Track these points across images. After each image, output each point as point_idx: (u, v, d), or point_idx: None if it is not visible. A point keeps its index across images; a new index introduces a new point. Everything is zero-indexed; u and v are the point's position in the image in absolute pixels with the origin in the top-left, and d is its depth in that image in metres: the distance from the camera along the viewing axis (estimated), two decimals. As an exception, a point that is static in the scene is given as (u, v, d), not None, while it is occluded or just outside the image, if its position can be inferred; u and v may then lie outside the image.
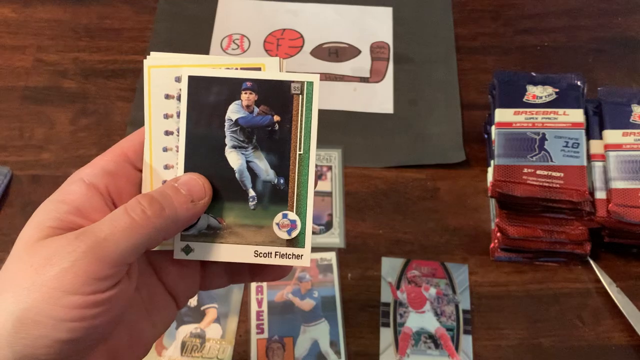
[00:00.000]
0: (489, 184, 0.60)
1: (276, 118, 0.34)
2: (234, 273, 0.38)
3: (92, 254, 0.30)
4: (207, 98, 0.34)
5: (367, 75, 0.73)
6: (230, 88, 0.33)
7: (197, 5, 0.77)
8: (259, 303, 0.58)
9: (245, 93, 0.33)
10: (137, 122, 0.68)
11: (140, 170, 0.36)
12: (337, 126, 0.69)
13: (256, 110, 0.33)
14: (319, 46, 0.75)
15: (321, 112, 0.35)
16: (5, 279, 0.31)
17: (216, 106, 0.33)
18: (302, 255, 0.34)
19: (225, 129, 0.34)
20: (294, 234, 0.34)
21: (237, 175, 0.34)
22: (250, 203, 0.34)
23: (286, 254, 0.34)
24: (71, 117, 0.69)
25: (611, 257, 0.61)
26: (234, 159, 0.34)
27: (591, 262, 0.60)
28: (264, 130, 0.34)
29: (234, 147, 0.34)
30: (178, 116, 0.35)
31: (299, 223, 0.34)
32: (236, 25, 0.76)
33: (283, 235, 0.34)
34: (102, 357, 0.33)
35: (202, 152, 0.34)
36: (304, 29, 0.76)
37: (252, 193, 0.34)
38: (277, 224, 0.34)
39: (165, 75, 0.35)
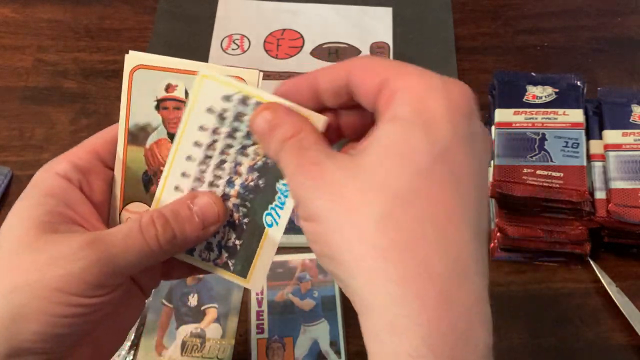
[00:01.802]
0: (488, 184, 0.60)
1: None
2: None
3: (103, 265, 0.31)
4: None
5: (367, 75, 0.73)
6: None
7: (197, 5, 0.78)
8: (259, 303, 0.58)
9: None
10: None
11: (111, 168, 0.36)
12: (337, 126, 0.69)
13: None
14: (319, 46, 0.75)
15: (321, 112, 0.35)
16: (2, 273, 0.31)
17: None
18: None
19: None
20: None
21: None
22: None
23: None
24: (71, 117, 0.69)
25: (611, 257, 0.61)
26: None
27: (591, 262, 0.60)
28: None
29: None
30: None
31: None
32: (236, 26, 0.76)
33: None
34: (86, 346, 0.34)
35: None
36: (304, 29, 0.76)
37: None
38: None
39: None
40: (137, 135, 0.37)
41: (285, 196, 0.34)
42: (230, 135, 0.34)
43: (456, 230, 0.26)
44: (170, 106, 0.36)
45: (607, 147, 0.60)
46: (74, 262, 0.30)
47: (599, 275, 0.59)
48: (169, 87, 0.35)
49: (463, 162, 0.27)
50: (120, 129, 0.36)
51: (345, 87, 0.31)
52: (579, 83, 0.63)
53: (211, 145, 0.35)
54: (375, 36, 0.76)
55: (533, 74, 0.65)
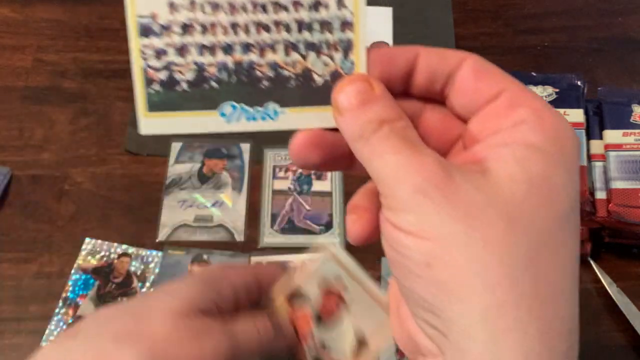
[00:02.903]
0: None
1: None
2: None
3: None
4: None
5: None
6: None
7: (197, 5, 0.77)
8: (259, 303, 0.58)
9: None
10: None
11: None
12: (337, 126, 0.69)
13: None
14: (319, 46, 0.75)
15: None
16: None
17: None
18: None
19: None
20: None
21: None
22: None
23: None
24: (71, 117, 0.69)
25: (611, 257, 0.61)
26: None
27: (591, 262, 0.60)
28: None
29: None
30: None
31: None
32: (236, 25, 0.76)
33: None
34: None
35: None
36: (304, 29, 0.76)
37: None
38: None
39: None
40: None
41: None
42: None
43: (576, 281, 0.25)
44: None
45: (607, 147, 0.60)
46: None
47: (599, 275, 0.59)
48: None
49: (578, 213, 0.25)
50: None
51: (447, 77, 0.28)
52: (579, 83, 0.63)
53: None
54: (376, 35, 0.76)
55: (533, 73, 0.65)
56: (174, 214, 0.62)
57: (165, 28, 0.28)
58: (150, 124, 0.29)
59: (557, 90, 0.63)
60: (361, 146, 0.26)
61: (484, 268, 0.22)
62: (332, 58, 0.28)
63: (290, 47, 0.28)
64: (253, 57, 0.28)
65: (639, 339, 0.56)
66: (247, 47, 0.28)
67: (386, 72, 0.28)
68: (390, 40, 0.75)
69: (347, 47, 0.28)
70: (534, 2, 0.80)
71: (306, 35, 0.28)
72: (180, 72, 0.28)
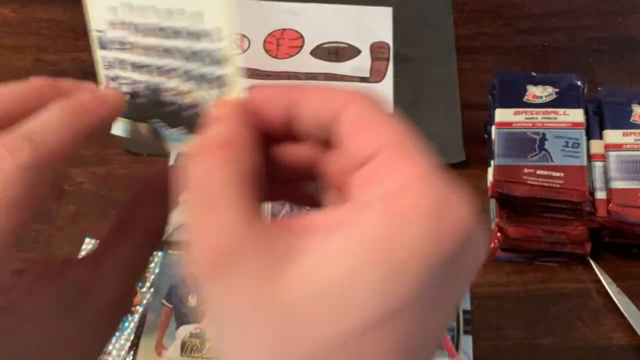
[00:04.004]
0: (489, 184, 0.60)
1: None
2: None
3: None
4: None
5: (367, 75, 0.73)
6: None
7: (197, 5, 0.77)
8: (259, 303, 0.58)
9: None
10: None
11: None
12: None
13: None
14: (319, 46, 0.75)
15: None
16: None
17: None
18: None
19: None
20: None
21: None
22: None
23: None
24: (71, 117, 0.69)
25: (611, 257, 0.61)
26: None
27: (591, 262, 0.60)
28: None
29: None
30: None
31: None
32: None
33: None
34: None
35: None
36: (304, 29, 0.76)
37: None
38: None
39: None
40: None
41: None
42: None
43: None
44: None
45: (607, 147, 0.60)
46: None
47: (599, 275, 0.59)
48: None
49: (419, 328, 0.20)
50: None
51: (330, 125, 0.24)
52: (579, 83, 0.63)
53: None
54: (375, 36, 0.76)
55: (533, 73, 0.65)
56: (174, 214, 0.62)
57: (111, 43, 0.30)
58: (116, 126, 0.32)
59: (557, 90, 0.63)
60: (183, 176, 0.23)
61: None
62: (216, 93, 0.28)
63: (184, 76, 0.28)
64: (163, 80, 0.29)
65: (638, 338, 0.56)
66: (158, 70, 0.29)
67: (266, 116, 0.25)
68: (390, 41, 0.75)
69: (222, 85, 0.27)
70: (534, 2, 0.80)
71: (191, 66, 0.28)
72: (123, 84, 0.30)
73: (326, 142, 0.25)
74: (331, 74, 0.73)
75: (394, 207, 0.20)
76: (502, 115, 0.62)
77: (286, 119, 0.25)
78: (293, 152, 0.26)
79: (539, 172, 0.58)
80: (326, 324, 0.19)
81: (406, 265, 0.19)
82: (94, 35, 0.31)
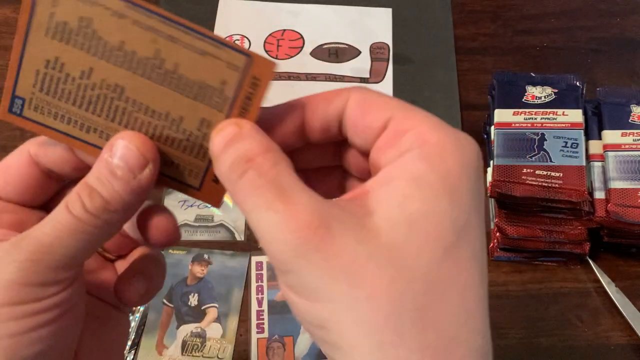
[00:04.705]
0: (488, 184, 0.60)
1: None
2: None
3: (38, 260, 0.26)
4: None
5: (367, 75, 0.73)
6: None
7: (197, 5, 0.78)
8: (259, 302, 0.58)
9: None
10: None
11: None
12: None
13: None
14: (319, 47, 0.75)
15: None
16: None
17: None
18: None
19: None
20: None
21: None
22: None
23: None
24: (72, 118, 0.69)
25: (610, 257, 0.61)
26: None
27: (590, 261, 0.60)
28: None
29: None
30: None
31: None
32: (236, 26, 0.76)
33: None
34: None
35: None
36: (304, 30, 0.77)
37: None
38: None
39: None
40: None
41: None
42: None
43: (483, 324, 0.24)
44: None
45: (606, 147, 0.60)
46: (3, 270, 0.25)
47: (598, 275, 0.59)
48: None
49: (478, 236, 0.24)
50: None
51: (338, 121, 0.27)
52: (578, 83, 0.63)
53: None
54: (375, 36, 0.76)
55: (532, 74, 0.65)
56: (174, 214, 0.62)
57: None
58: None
59: (556, 90, 0.63)
60: (232, 194, 0.25)
61: (371, 328, 0.22)
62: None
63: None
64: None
65: (637, 338, 0.57)
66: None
67: (278, 133, 0.27)
68: (390, 41, 0.76)
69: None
70: (533, 2, 0.80)
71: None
72: None
73: (341, 142, 0.28)
74: (331, 74, 0.73)
75: (427, 148, 0.24)
76: (501, 115, 0.62)
77: (297, 134, 0.27)
78: (312, 156, 0.29)
79: (538, 172, 0.58)
80: (426, 248, 0.23)
81: (459, 187, 0.24)
82: None
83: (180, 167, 0.28)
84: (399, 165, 0.24)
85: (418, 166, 0.24)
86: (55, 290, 0.26)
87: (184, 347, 0.56)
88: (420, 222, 0.23)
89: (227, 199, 0.66)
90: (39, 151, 0.29)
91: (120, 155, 0.26)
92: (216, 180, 0.27)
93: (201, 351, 0.56)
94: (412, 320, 0.22)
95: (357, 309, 0.22)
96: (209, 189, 0.29)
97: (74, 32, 0.26)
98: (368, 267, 0.22)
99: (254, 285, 0.59)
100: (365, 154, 0.27)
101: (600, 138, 0.61)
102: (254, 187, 0.24)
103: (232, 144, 0.25)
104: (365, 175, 0.28)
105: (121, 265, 0.33)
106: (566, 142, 0.59)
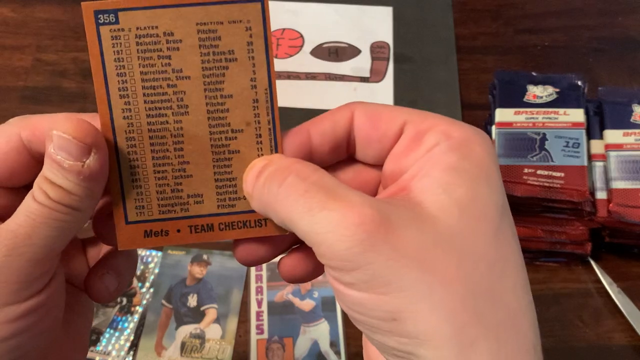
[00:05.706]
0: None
1: None
2: None
3: (19, 254, 0.25)
4: None
5: (367, 75, 0.73)
6: None
7: (196, 5, 0.77)
8: (259, 303, 0.58)
9: None
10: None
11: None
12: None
13: None
14: (319, 46, 0.75)
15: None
16: None
17: None
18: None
19: None
20: None
21: None
22: None
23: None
24: (71, 117, 0.69)
25: (612, 257, 0.61)
26: None
27: (592, 262, 0.60)
28: None
29: None
30: None
31: None
32: (236, 25, 0.76)
33: None
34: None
35: None
36: (304, 29, 0.76)
37: None
38: None
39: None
40: None
41: None
42: None
43: (530, 300, 0.25)
44: None
45: (608, 147, 0.60)
46: None
47: (599, 275, 0.59)
48: None
49: (511, 217, 0.25)
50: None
51: (346, 135, 0.27)
52: (579, 83, 0.63)
53: None
54: (375, 36, 0.76)
55: (534, 73, 0.65)
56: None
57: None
58: None
59: (558, 90, 0.63)
60: (274, 205, 0.25)
61: (449, 312, 0.22)
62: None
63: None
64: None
65: (639, 339, 0.56)
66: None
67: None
68: (390, 40, 0.75)
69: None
70: (534, 2, 0.80)
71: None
72: None
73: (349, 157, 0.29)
74: (331, 73, 0.73)
75: (454, 141, 0.25)
76: (503, 115, 0.62)
77: (306, 155, 0.28)
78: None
79: (539, 172, 0.58)
80: (480, 230, 0.24)
81: (492, 171, 0.25)
82: None
83: None
84: (430, 158, 0.25)
85: (451, 156, 0.24)
86: (37, 287, 0.26)
87: (183, 348, 0.56)
88: (469, 206, 0.24)
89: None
90: (32, 138, 0.28)
91: (59, 146, 0.25)
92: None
93: (200, 352, 0.56)
94: (484, 300, 0.23)
95: (433, 295, 0.22)
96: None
97: None
98: (436, 253, 0.23)
99: (253, 286, 0.59)
100: (374, 166, 0.28)
101: (601, 138, 0.61)
102: (300, 191, 0.24)
103: (267, 168, 0.26)
104: (367, 191, 0.28)
105: (92, 251, 0.33)
106: (567, 142, 0.59)
